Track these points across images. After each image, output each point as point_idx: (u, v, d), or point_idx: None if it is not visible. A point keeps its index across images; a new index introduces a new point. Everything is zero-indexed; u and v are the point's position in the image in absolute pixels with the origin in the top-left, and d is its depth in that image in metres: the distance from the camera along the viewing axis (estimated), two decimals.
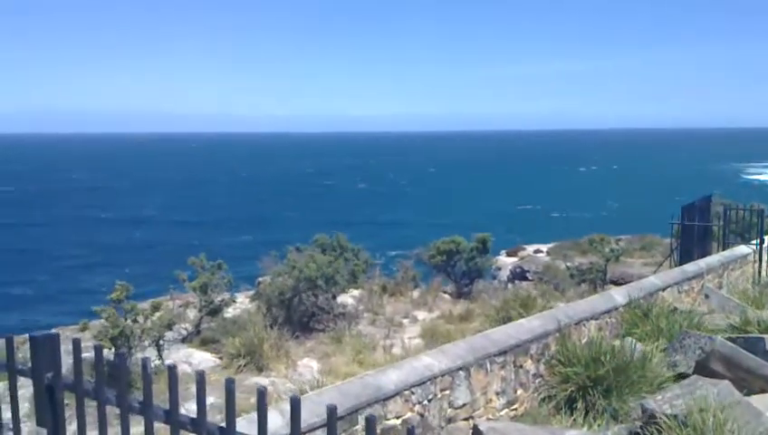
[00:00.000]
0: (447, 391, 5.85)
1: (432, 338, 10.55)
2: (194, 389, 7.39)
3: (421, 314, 13.22)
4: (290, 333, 11.00)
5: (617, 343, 6.91)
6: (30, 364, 3.24)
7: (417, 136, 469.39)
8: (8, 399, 3.54)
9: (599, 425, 5.78)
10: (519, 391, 6.57)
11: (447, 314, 12.86)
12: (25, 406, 4.77)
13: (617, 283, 16.02)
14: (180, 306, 12.16)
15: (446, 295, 15.71)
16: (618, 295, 8.43)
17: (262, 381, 8.93)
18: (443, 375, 5.76)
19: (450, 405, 5.88)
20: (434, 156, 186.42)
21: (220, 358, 10.22)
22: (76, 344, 3.08)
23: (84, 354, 3.54)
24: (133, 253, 49.76)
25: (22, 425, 3.56)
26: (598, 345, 6.59)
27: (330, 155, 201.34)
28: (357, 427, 4.97)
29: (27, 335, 3.31)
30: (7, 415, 3.73)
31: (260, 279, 14.39)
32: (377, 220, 65.26)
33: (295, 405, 2.34)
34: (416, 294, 15.38)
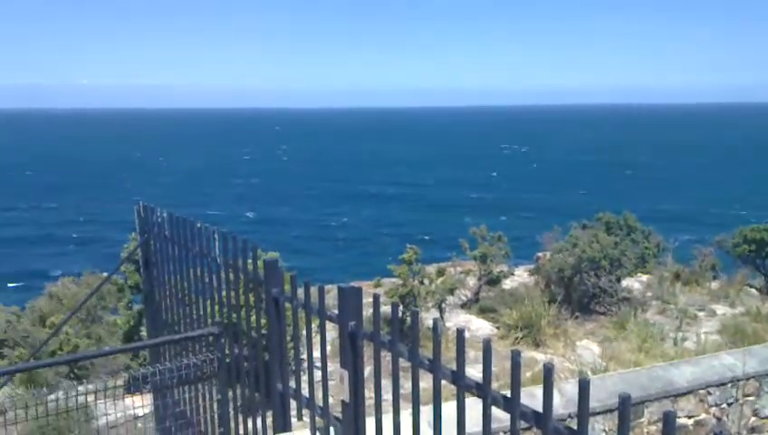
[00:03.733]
0: (752, 398, 5.15)
1: (734, 336, 9.36)
2: (472, 353, 7.61)
3: (720, 309, 11.81)
4: (569, 313, 10.71)
5: None
6: (336, 312, 3.63)
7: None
8: (319, 340, 4.03)
9: None
10: None
11: (754, 311, 11.28)
12: (328, 349, 5.39)
13: None
14: (461, 273, 12.60)
15: (753, 290, 13.79)
16: None
17: (539, 356, 8.87)
18: (748, 379, 5.08)
19: (755, 414, 5.17)
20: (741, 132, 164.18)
21: (497, 327, 10.39)
22: (376, 299, 3.35)
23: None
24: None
25: (329, 366, 4.03)
26: None
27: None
28: (642, 420, 4.65)
29: (336, 286, 3.70)
30: (316, 353, 4.25)
31: (539, 254, 14.22)
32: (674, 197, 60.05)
33: (584, 387, 2.23)
34: (714, 285, 13.77)
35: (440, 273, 11.08)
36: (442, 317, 10.71)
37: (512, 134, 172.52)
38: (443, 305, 10.79)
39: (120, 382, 6.76)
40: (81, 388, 5.50)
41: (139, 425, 5.83)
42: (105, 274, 10.23)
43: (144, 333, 8.33)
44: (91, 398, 5.10)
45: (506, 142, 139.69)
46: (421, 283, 10.42)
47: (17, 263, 41.20)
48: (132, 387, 6.60)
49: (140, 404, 5.49)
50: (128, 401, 6.12)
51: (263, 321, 4.54)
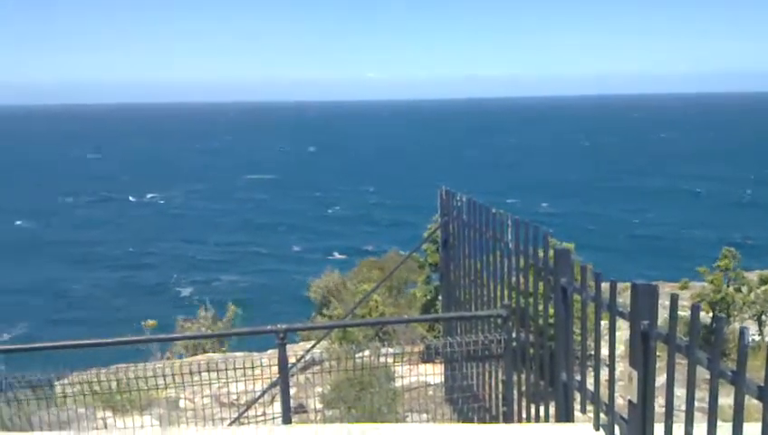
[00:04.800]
0: None
1: None
2: None
3: None
4: None
5: None
6: (629, 309, 3.51)
7: None
8: (607, 337, 3.93)
9: None
10: None
11: None
12: (621, 348, 5.19)
13: None
14: None
15: None
16: None
17: None
18: None
19: None
20: None
21: None
22: (674, 300, 3.15)
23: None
24: None
25: (616, 362, 3.91)
26: None
27: None
28: None
29: (630, 283, 3.56)
30: (605, 351, 4.15)
31: None
32: None
33: None
34: None
35: (764, 281, 9.81)
36: (761, 331, 9.49)
37: None
38: (763, 318, 9.55)
39: (416, 350, 7.39)
40: (384, 350, 6.16)
41: (430, 392, 6.31)
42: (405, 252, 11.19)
43: (439, 308, 8.96)
44: (391, 360, 5.70)
45: None
46: (738, 290, 9.35)
47: (341, 238, 47.23)
48: (427, 356, 7.17)
49: (432, 373, 5.95)
50: (422, 368, 6.67)
51: (550, 310, 4.57)
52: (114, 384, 5.33)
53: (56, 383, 5.23)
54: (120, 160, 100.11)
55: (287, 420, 4.53)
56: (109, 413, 6.18)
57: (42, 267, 41.11)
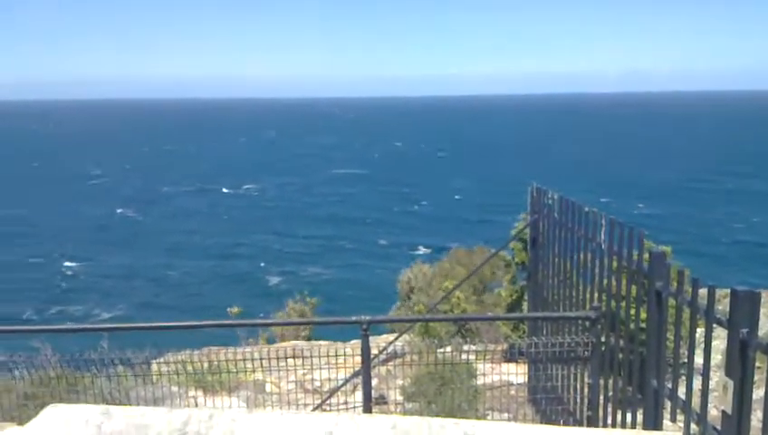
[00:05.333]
0: None
1: None
2: None
3: None
4: None
5: None
6: (727, 316, 3.33)
7: None
8: (703, 345, 3.75)
9: None
10: None
11: None
12: (717, 357, 4.93)
13: None
14: None
15: None
16: None
17: None
18: None
19: None
20: None
21: None
22: None
23: None
24: None
25: (712, 372, 3.72)
26: None
27: None
28: None
29: (729, 289, 3.38)
30: (699, 360, 3.96)
31: None
32: None
33: None
34: None
35: None
36: None
37: None
38: None
39: (499, 348, 7.31)
40: (466, 347, 6.12)
41: (512, 392, 6.23)
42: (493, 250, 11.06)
43: (525, 308, 8.79)
44: (473, 357, 5.67)
45: None
46: None
47: (426, 234, 47.36)
48: (510, 355, 7.07)
49: (515, 372, 5.87)
50: (504, 367, 6.59)
51: (642, 314, 4.40)
52: (206, 366, 5.59)
53: (152, 362, 5.54)
54: (202, 154, 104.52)
55: (368, 409, 4.60)
56: (199, 393, 6.48)
57: (138, 254, 43.51)
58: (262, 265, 40.92)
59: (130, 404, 5.05)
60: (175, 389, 5.94)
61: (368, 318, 4.61)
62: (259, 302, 25.56)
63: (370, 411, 4.58)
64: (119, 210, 59.23)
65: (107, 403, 4.99)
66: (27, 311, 31.78)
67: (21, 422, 4.06)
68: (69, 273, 39.72)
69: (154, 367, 5.62)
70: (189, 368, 5.60)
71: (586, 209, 5.14)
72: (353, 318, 4.66)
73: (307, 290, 12.99)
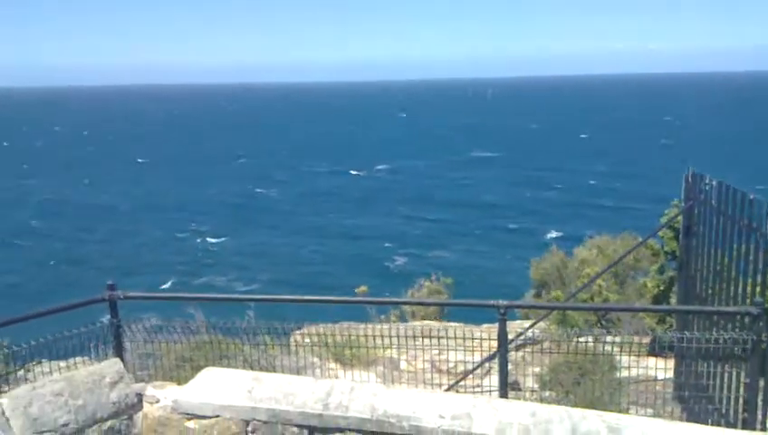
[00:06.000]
0: None
1: None
2: None
3: None
4: None
5: None
6: None
7: None
8: None
9: None
10: None
11: None
12: None
13: None
14: None
15: None
16: None
17: None
18: None
19: None
20: None
21: None
22: None
23: None
24: None
25: None
26: None
27: None
28: None
29: None
30: None
31: None
32: None
33: None
34: None
35: None
36: None
37: None
38: None
39: (644, 341, 6.92)
40: (608, 338, 5.86)
41: (658, 387, 5.88)
42: (641, 237, 10.46)
43: (672, 300, 8.27)
44: (616, 349, 5.42)
45: None
46: None
47: (560, 220, 45.77)
48: (655, 349, 6.67)
49: (661, 367, 5.53)
50: (650, 361, 6.23)
51: None
52: (345, 339, 5.78)
53: (294, 333, 5.82)
54: (342, 136, 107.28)
55: (504, 394, 4.54)
56: (338, 365, 6.73)
57: (272, 232, 45.76)
58: (386, 244, 41.60)
59: (275, 372, 5.34)
60: (316, 360, 6.21)
61: (505, 303, 4.54)
62: (384, 282, 26.04)
63: (506, 397, 4.52)
64: (257, 190, 62.71)
65: (253, 370, 5.32)
66: (172, 279, 34.57)
67: (179, 382, 4.44)
68: (213, 249, 42.73)
69: (294, 338, 5.90)
70: (330, 341, 5.82)
71: (751, 196, 4.70)
72: (491, 302, 4.60)
73: (431, 273, 12.99)
